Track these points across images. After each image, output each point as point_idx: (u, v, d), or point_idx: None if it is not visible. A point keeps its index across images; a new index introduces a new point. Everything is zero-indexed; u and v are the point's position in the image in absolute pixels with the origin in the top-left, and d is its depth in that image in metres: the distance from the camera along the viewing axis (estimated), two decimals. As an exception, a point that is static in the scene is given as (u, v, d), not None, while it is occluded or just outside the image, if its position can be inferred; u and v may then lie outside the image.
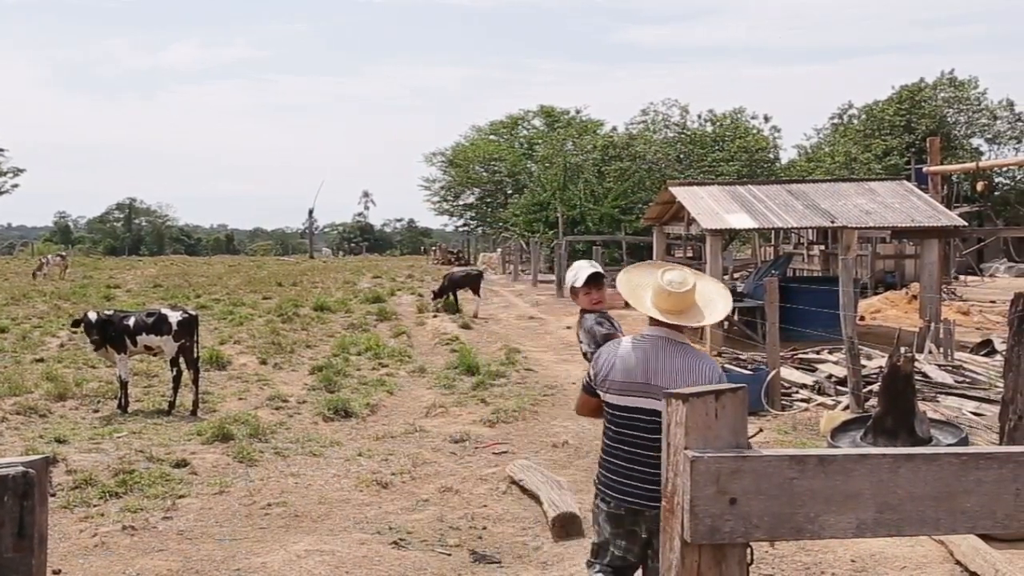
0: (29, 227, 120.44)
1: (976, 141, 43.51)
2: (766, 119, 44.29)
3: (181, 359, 9.91)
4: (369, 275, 36.79)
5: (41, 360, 13.28)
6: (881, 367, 8.69)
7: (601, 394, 3.80)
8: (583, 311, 4.86)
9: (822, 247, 26.06)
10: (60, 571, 5.33)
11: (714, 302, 3.76)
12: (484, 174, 56.46)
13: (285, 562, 5.44)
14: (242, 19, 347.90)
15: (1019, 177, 42.16)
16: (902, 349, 7.37)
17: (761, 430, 8.21)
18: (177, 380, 9.90)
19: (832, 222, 15.84)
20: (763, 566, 5.28)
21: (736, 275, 24.47)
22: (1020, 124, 42.75)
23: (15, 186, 68.08)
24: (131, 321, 9.82)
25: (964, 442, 6.41)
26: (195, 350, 9.99)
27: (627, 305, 3.85)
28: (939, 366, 10.95)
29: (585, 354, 4.71)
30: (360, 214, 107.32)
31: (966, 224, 21.29)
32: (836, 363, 11.09)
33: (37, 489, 1.62)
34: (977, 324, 17.80)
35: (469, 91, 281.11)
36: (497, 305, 23.71)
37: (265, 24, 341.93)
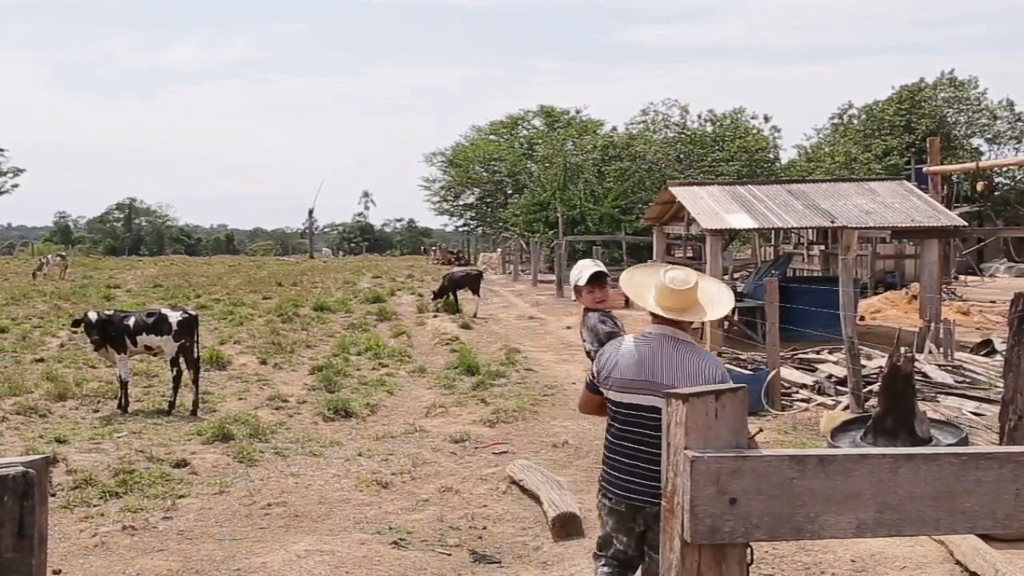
0: (29, 227, 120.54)
1: (976, 141, 43.55)
2: (766, 119, 44.35)
3: (181, 359, 9.91)
4: (369, 275, 36.80)
5: (41, 360, 13.28)
6: (881, 367, 8.69)
7: (604, 391, 3.83)
8: (586, 310, 4.88)
9: (822, 247, 26.06)
10: (60, 571, 5.33)
11: (717, 300, 3.80)
12: (484, 174, 56.46)
13: (285, 562, 5.44)
14: (242, 19, 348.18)
15: (1019, 177, 42.17)
16: (902, 349, 7.37)
17: (761, 430, 8.20)
18: (177, 380, 9.90)
19: (832, 222, 15.84)
20: (763, 566, 5.28)
21: (736, 275, 24.47)
22: (1020, 124, 42.75)
23: (15, 186, 68.17)
24: (131, 321, 9.82)
25: (964, 442, 6.41)
26: (195, 350, 9.99)
27: (627, 304, 3.88)
28: (939, 366, 10.95)
29: (588, 352, 4.73)
30: (360, 214, 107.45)
31: (966, 224, 21.29)
32: (836, 363, 11.09)
33: (37, 489, 1.62)
34: (977, 324, 17.80)
35: (469, 91, 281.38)
36: (497, 305, 23.71)
37: (265, 24, 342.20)
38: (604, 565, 3.91)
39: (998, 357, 11.17)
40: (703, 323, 10.60)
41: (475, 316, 19.85)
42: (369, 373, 12.48)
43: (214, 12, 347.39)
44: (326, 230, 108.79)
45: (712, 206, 16.11)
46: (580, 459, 7.96)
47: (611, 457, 3.80)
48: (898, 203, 16.48)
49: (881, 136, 40.38)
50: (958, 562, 5.26)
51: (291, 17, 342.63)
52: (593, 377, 3.92)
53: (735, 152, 40.62)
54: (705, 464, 1.73)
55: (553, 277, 28.92)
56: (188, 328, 9.88)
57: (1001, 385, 6.93)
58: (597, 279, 4.79)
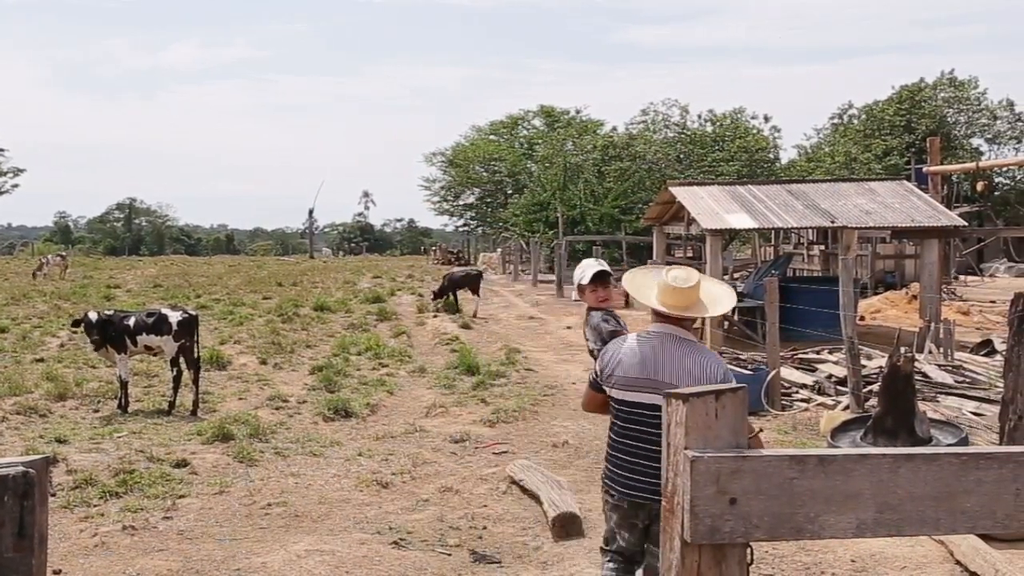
0: (29, 227, 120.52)
1: (976, 141, 43.54)
2: (766, 119, 44.35)
3: (181, 359, 9.91)
4: (369, 275, 36.79)
5: (41, 360, 13.28)
6: (881, 367, 8.69)
7: (607, 389, 3.86)
8: (590, 309, 4.90)
9: (822, 247, 26.06)
10: (60, 571, 5.33)
11: (718, 298, 3.87)
12: (484, 174, 56.45)
13: (285, 562, 5.44)
14: (242, 19, 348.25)
15: (1019, 177, 42.16)
16: (902, 349, 7.37)
17: (761, 430, 8.20)
18: (177, 380, 9.90)
19: (832, 222, 15.85)
20: (763, 566, 5.29)
21: (736, 275, 24.47)
22: (1020, 124, 42.74)
23: (15, 186, 68.13)
24: (131, 321, 9.82)
25: (964, 442, 6.41)
26: (195, 350, 9.99)
27: (627, 304, 3.91)
28: (939, 366, 10.95)
29: (592, 351, 4.75)
30: (360, 214, 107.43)
31: (966, 224, 21.29)
32: (836, 363, 11.09)
33: (37, 489, 1.62)
34: (977, 324, 17.80)
35: (469, 91, 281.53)
36: (497, 305, 23.71)
37: (265, 24, 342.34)
38: (610, 560, 3.96)
39: (998, 357, 11.17)
40: (703, 323, 10.62)
41: (475, 316, 19.85)
42: (369, 373, 12.48)
43: (214, 12, 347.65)
44: (326, 230, 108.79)
45: (712, 206, 16.11)
46: (580, 459, 7.96)
47: (613, 454, 3.84)
48: (898, 203, 16.48)
49: (881, 136, 40.37)
50: (958, 562, 5.26)
51: (291, 17, 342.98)
52: (596, 375, 3.95)
53: (735, 152, 40.63)
54: (705, 464, 1.73)
55: (553, 277, 28.91)
56: (188, 328, 9.88)
57: (1001, 385, 6.93)
58: (600, 278, 4.82)
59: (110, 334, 9.76)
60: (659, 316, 3.81)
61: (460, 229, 65.76)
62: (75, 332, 14.16)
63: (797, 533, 1.76)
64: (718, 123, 43.62)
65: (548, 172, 43.77)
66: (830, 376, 10.75)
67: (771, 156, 42.83)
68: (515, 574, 5.44)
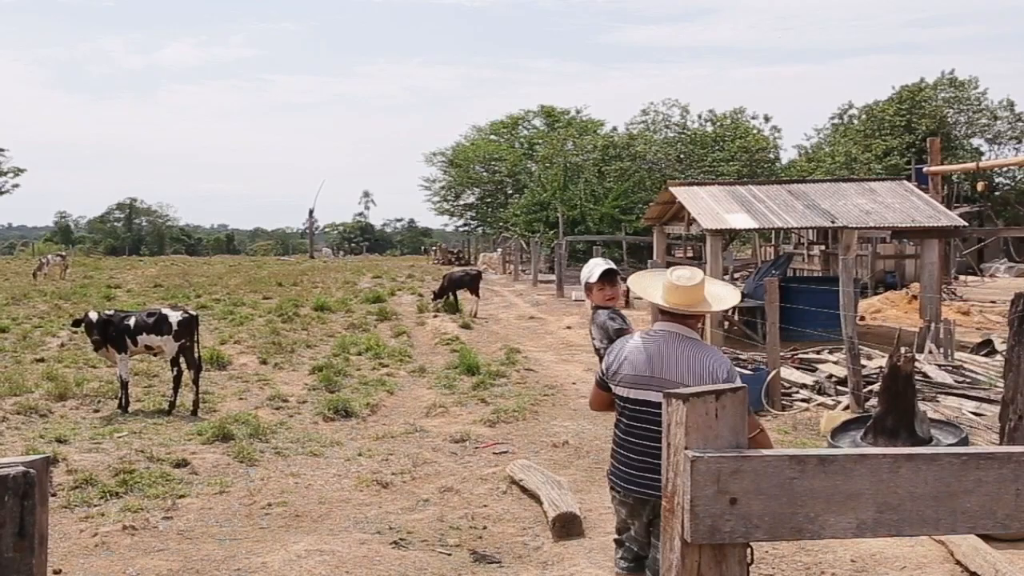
0: (29, 227, 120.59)
1: (976, 141, 43.50)
2: (766, 119, 44.42)
3: (181, 359, 9.91)
4: (369, 275, 36.78)
5: (41, 360, 13.28)
6: (881, 367, 8.69)
7: (613, 387, 3.93)
8: (596, 307, 4.92)
9: (822, 247, 26.04)
10: (60, 571, 5.33)
11: (721, 296, 3.95)
12: (484, 174, 56.43)
13: (285, 562, 5.44)
14: (238, 19, 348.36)
15: (1019, 177, 42.12)
16: (902, 349, 7.37)
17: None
18: (177, 380, 9.90)
19: (832, 222, 15.85)
20: (763, 566, 5.29)
21: (736, 275, 24.46)
22: (1020, 124, 42.70)
23: (15, 186, 68.05)
24: (132, 321, 9.82)
25: (964, 442, 6.41)
26: (195, 350, 9.99)
27: (627, 303, 3.94)
28: (939, 366, 10.94)
29: (597, 350, 4.78)
30: (360, 214, 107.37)
31: (966, 224, 21.28)
32: (836, 363, 11.09)
33: (37, 489, 1.62)
34: (977, 324, 17.80)
35: (464, 90, 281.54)
36: (497, 305, 23.70)
37: (260, 24, 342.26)
38: (622, 551, 4.07)
39: (998, 357, 11.17)
40: (704, 323, 10.61)
41: (475, 316, 19.85)
42: (369, 373, 12.48)
43: (209, 12, 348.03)
44: (326, 230, 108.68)
45: (712, 206, 16.11)
46: (580, 459, 7.96)
47: (619, 451, 3.92)
48: (898, 203, 16.48)
49: (881, 136, 40.36)
50: (958, 562, 5.26)
51: (290, 17, 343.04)
52: (602, 374, 4.01)
53: (735, 152, 40.64)
54: (705, 464, 1.73)
55: (553, 277, 28.89)
56: (188, 328, 9.88)
57: (1001, 385, 6.93)
58: (608, 276, 4.87)
59: (110, 334, 9.76)
60: (664, 314, 3.87)
61: (460, 229, 65.75)
62: (75, 332, 14.16)
63: (797, 533, 1.76)
64: (718, 123, 43.64)
65: (548, 172, 43.77)
66: (830, 376, 10.75)
67: (771, 156, 42.85)
68: (515, 574, 5.44)
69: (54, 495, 6.52)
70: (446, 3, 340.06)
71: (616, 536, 4.13)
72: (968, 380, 10.43)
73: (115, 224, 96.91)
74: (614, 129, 49.28)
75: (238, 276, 35.12)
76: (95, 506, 6.54)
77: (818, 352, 12.05)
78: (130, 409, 9.78)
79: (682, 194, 16.98)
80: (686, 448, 1.76)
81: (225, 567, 5.45)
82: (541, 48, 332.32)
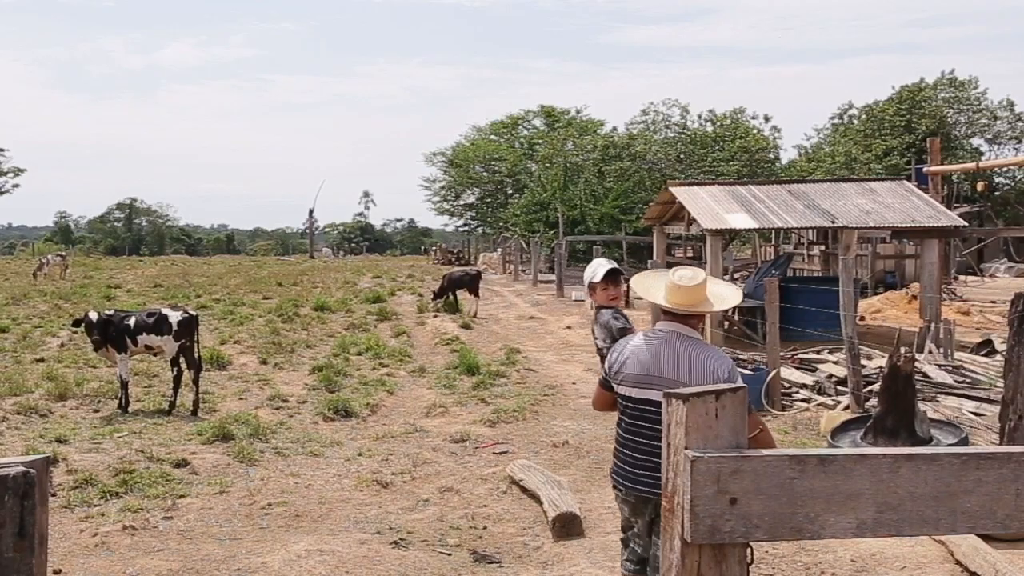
0: (29, 227, 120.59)
1: (976, 141, 43.49)
2: (766, 119, 44.41)
3: (182, 359, 9.92)
4: (369, 275, 36.78)
5: (41, 360, 13.28)
6: (881, 367, 8.69)
7: (615, 386, 3.96)
8: (599, 307, 4.95)
9: (822, 247, 26.04)
10: (61, 571, 5.33)
11: (723, 295, 3.99)
12: (484, 174, 56.41)
13: (285, 562, 5.44)
14: (237, 19, 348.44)
15: (1019, 177, 42.11)
16: (902, 349, 7.37)
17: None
18: (178, 380, 9.90)
19: (832, 222, 15.84)
20: (763, 566, 5.29)
21: (736, 275, 24.45)
22: (1020, 124, 42.69)
23: (15, 186, 68.01)
24: (132, 321, 9.82)
25: (964, 442, 6.41)
26: (195, 350, 9.99)
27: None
28: (939, 366, 10.94)
29: (600, 349, 4.80)
30: (360, 214, 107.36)
31: (966, 224, 21.27)
32: (836, 363, 11.09)
33: (37, 489, 1.62)
34: (977, 324, 17.80)
35: (463, 90, 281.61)
36: (497, 305, 23.70)
37: (265, 24, 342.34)
38: (629, 552, 4.08)
39: (998, 357, 11.17)
40: (704, 324, 10.61)
41: (474, 316, 19.85)
42: (369, 373, 12.48)
43: (212, 12, 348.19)
44: (326, 230, 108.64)
45: (712, 206, 16.11)
46: (580, 459, 7.96)
47: (621, 450, 3.95)
48: (898, 203, 16.48)
49: (881, 136, 40.35)
50: (958, 562, 5.26)
51: (290, 17, 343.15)
52: (606, 373, 4.04)
53: (735, 152, 40.64)
54: (705, 464, 1.73)
55: (553, 277, 28.89)
56: (188, 328, 9.88)
57: (1001, 385, 6.93)
58: (612, 276, 4.90)
59: (110, 334, 9.76)
60: (667, 314, 3.91)
61: (460, 229, 65.72)
62: (75, 332, 14.16)
63: (797, 533, 1.76)
64: (718, 123, 43.64)
65: (548, 172, 43.76)
66: (830, 376, 10.75)
67: (771, 156, 42.85)
68: (515, 574, 5.44)
69: (54, 495, 6.52)
70: (446, 3, 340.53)
71: (621, 535, 4.17)
72: (968, 380, 10.43)
73: (115, 224, 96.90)
74: (614, 129, 49.31)
75: (238, 276, 35.12)
76: (95, 506, 6.55)
77: (818, 352, 12.05)
78: (130, 409, 9.78)
79: (682, 194, 16.98)
80: (686, 448, 1.76)
81: (225, 567, 5.45)
82: (541, 48, 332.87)
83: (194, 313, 10.24)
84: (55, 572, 5.25)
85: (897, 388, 6.44)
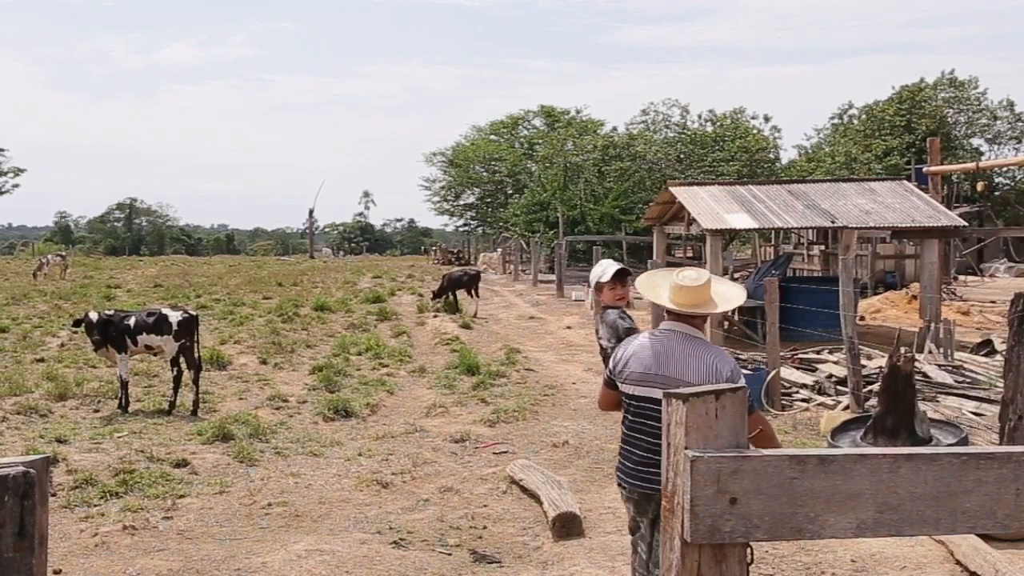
0: (29, 227, 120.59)
1: (976, 141, 43.48)
2: (766, 119, 44.39)
3: (182, 359, 9.92)
4: (369, 275, 36.78)
5: (41, 360, 13.29)
6: (881, 367, 8.69)
7: (619, 385, 4.00)
8: (605, 307, 4.98)
9: (822, 247, 26.03)
10: (61, 571, 5.33)
11: (727, 296, 4.02)
12: (484, 174, 56.40)
13: (285, 562, 5.44)
14: (237, 19, 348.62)
15: (1019, 177, 42.11)
16: (902, 349, 7.37)
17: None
18: (178, 380, 9.90)
19: (832, 222, 15.85)
20: (763, 566, 5.29)
21: (736, 275, 24.44)
22: (1020, 124, 42.68)
23: (15, 186, 67.99)
24: (132, 321, 9.82)
25: (964, 442, 6.41)
26: (195, 350, 9.99)
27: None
28: (939, 366, 10.94)
29: (604, 348, 4.82)
30: (360, 214, 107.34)
31: (966, 224, 21.28)
32: (836, 363, 11.08)
33: (37, 489, 1.62)
34: (977, 324, 17.80)
35: (463, 90, 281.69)
36: (497, 305, 23.70)
37: (265, 24, 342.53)
38: (636, 558, 4.10)
39: (998, 357, 11.17)
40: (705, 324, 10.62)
41: (474, 316, 19.85)
42: (369, 373, 12.48)
43: (212, 12, 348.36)
44: (326, 230, 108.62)
45: (712, 206, 16.11)
46: (580, 459, 7.96)
47: (625, 448, 3.99)
48: (898, 203, 16.48)
49: (881, 136, 40.34)
50: (958, 562, 5.26)
51: (290, 17, 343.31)
52: (610, 372, 4.09)
53: (735, 152, 40.63)
54: (705, 464, 1.73)
55: (553, 277, 28.88)
56: (188, 328, 9.88)
57: (1001, 385, 6.93)
58: (621, 276, 4.93)
59: (111, 334, 9.76)
60: (671, 314, 3.96)
61: (460, 229, 65.72)
62: (76, 332, 14.16)
63: (797, 533, 1.76)
64: (718, 123, 43.63)
65: (548, 172, 43.76)
66: (830, 376, 10.75)
67: (771, 156, 42.84)
68: (515, 574, 5.44)
69: (54, 495, 6.52)
70: (446, 3, 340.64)
71: (630, 535, 4.21)
72: (968, 380, 10.43)
73: (115, 224, 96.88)
74: (614, 129, 49.29)
75: (238, 276, 35.12)
76: (95, 506, 6.55)
77: (818, 352, 12.05)
78: (130, 409, 9.78)
79: (682, 194, 16.98)
80: (686, 448, 1.76)
81: (225, 567, 5.45)
82: (541, 48, 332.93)
83: (194, 313, 10.24)
84: (55, 572, 5.25)
85: (897, 388, 6.44)
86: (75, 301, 22.34)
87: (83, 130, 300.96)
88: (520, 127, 58.49)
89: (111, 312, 10.14)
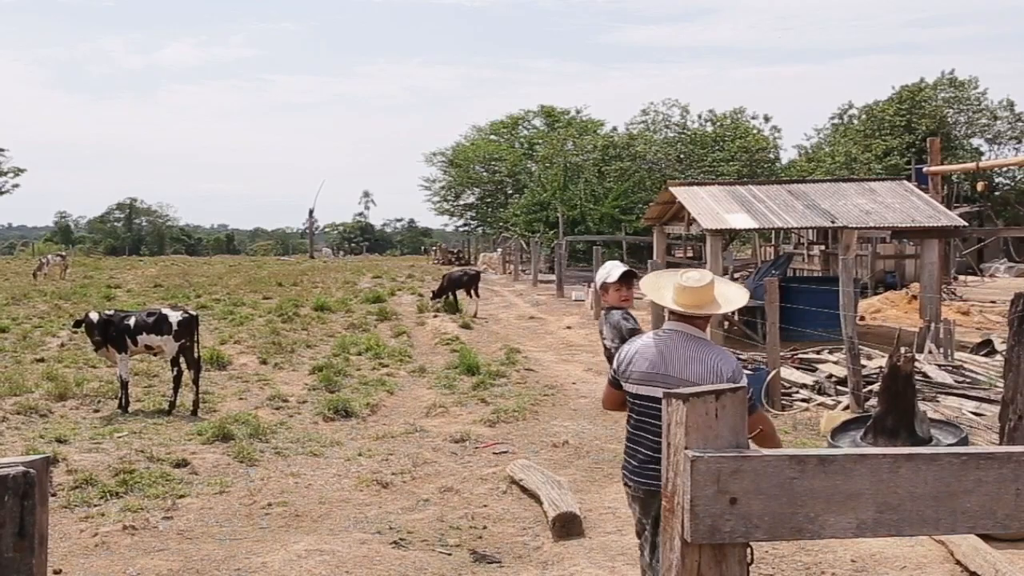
0: (29, 227, 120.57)
1: (976, 141, 43.46)
2: (766, 119, 44.39)
3: (182, 359, 9.92)
4: (369, 275, 36.78)
5: (42, 360, 13.29)
6: (881, 367, 8.69)
7: (623, 385, 4.04)
8: (609, 308, 5.02)
9: (822, 247, 26.03)
10: (61, 571, 5.33)
11: (731, 297, 4.05)
12: (484, 174, 56.40)
13: (285, 562, 5.44)
14: (237, 19, 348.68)
15: (1019, 177, 42.10)
16: (902, 349, 7.37)
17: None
18: (178, 380, 9.90)
19: (832, 222, 15.84)
20: (763, 566, 5.29)
21: (736, 275, 24.44)
22: (1020, 124, 42.67)
23: (15, 186, 67.97)
24: (132, 321, 9.82)
25: (964, 442, 6.41)
26: (195, 350, 9.99)
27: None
28: (939, 366, 10.94)
29: (607, 348, 4.86)
30: (360, 214, 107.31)
31: (966, 224, 21.27)
32: (836, 363, 11.08)
33: (37, 489, 1.62)
34: (977, 324, 17.79)
35: (470, 91, 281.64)
36: (497, 305, 23.70)
37: (265, 24, 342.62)
38: (642, 560, 4.09)
39: (998, 357, 11.17)
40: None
41: (474, 316, 19.85)
42: (369, 373, 12.48)
43: (212, 12, 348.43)
44: (326, 230, 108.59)
45: (712, 206, 16.11)
46: (580, 459, 7.96)
47: (630, 446, 4.03)
48: (898, 203, 16.48)
49: (881, 136, 40.34)
50: (958, 562, 5.26)
51: (290, 17, 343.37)
52: (614, 372, 4.12)
53: (735, 152, 40.63)
54: (705, 464, 1.73)
55: (553, 277, 28.88)
56: (188, 328, 9.88)
57: (1001, 385, 6.93)
58: (627, 278, 4.97)
59: (111, 334, 9.76)
60: (674, 314, 3.99)
61: (460, 229, 65.71)
62: (76, 332, 14.15)
63: (797, 533, 1.76)
64: (718, 123, 43.63)
65: (548, 172, 43.76)
66: (830, 376, 10.75)
67: (771, 156, 42.84)
68: (515, 574, 5.44)
69: (54, 495, 6.52)
70: (446, 3, 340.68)
71: (637, 537, 4.22)
72: (968, 380, 10.42)
73: (115, 224, 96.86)
74: (614, 129, 49.28)
75: (238, 276, 35.12)
76: (95, 506, 6.55)
77: (818, 352, 12.05)
78: (130, 409, 9.78)
79: (682, 194, 16.98)
80: (686, 448, 1.76)
81: (225, 567, 5.45)
82: (541, 48, 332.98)
83: (194, 313, 10.25)
84: (55, 572, 5.25)
85: (897, 388, 6.44)
86: (75, 301, 22.34)
87: (83, 130, 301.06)
88: (520, 127, 58.48)
89: (111, 312, 10.14)
